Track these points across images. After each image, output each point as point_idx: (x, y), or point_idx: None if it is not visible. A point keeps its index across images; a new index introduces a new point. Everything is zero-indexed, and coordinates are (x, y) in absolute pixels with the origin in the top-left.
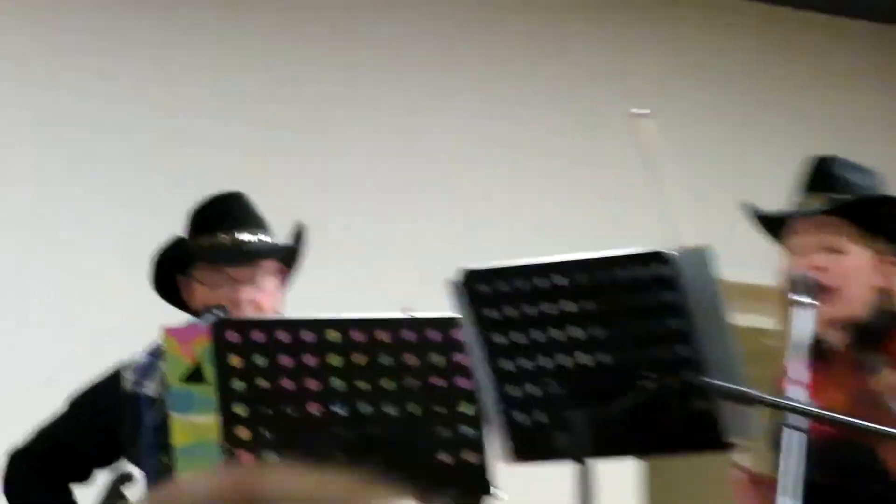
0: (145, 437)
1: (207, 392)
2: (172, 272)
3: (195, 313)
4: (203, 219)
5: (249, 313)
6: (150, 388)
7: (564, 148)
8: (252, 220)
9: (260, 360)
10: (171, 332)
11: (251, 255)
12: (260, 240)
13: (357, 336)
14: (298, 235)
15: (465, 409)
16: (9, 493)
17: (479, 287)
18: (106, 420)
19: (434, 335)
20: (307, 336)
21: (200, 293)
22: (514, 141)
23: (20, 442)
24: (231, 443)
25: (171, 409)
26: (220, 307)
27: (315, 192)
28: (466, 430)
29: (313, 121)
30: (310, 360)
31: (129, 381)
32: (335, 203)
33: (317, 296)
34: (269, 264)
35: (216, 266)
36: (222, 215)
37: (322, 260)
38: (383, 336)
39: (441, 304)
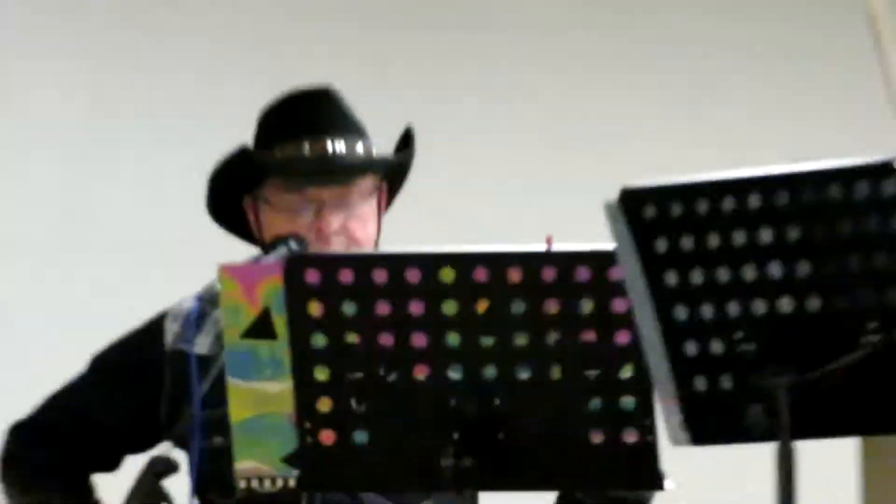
0: (194, 411)
1: (277, 350)
2: (237, 193)
3: (264, 247)
4: (279, 121)
5: (338, 247)
6: (201, 345)
7: None
8: (345, 124)
9: (349, 309)
10: (229, 271)
11: (344, 170)
12: (354, 150)
13: (480, 276)
14: (407, 143)
15: (625, 372)
16: (7, 480)
17: (644, 210)
18: (142, 388)
19: (583, 274)
20: (413, 276)
21: (272, 221)
22: None
23: (25, 414)
24: (308, 417)
25: (230, 372)
26: (298, 238)
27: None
28: (626, 401)
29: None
30: (416, 308)
31: (173, 334)
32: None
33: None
34: (367, 182)
35: (295, 184)
36: (305, 117)
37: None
38: (515, 275)
39: (591, 237)
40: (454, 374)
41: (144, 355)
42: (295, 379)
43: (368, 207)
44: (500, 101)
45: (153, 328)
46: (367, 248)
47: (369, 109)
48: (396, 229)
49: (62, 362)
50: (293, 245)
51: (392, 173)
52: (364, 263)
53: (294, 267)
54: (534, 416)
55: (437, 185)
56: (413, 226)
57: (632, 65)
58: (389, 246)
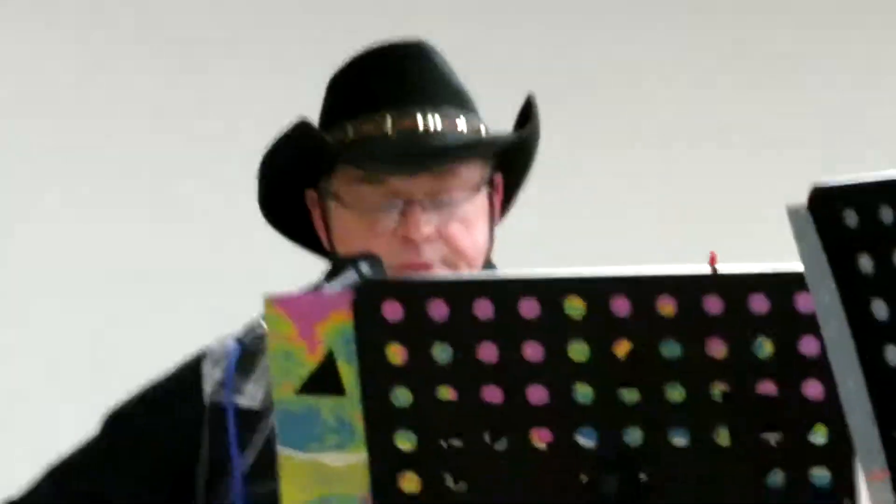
0: (233, 489)
1: (345, 410)
2: (297, 185)
3: (333, 264)
4: (352, 89)
5: (432, 258)
6: (250, 396)
7: None
8: (442, 91)
9: (443, 354)
10: (279, 305)
11: (440, 154)
12: (455, 126)
13: (620, 308)
14: (527, 118)
15: (817, 436)
16: None
17: (844, 217)
18: (173, 456)
19: (760, 304)
20: (529, 309)
21: (344, 224)
22: None
23: (20, 490)
24: (389, 500)
25: (281, 440)
26: (371, 258)
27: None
28: (818, 474)
29: None
30: (533, 351)
31: (214, 382)
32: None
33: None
34: (474, 171)
35: (373, 174)
36: (387, 82)
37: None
38: (668, 307)
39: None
40: (585, 439)
41: (176, 412)
42: (370, 449)
43: (475, 206)
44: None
45: (187, 375)
46: (473, 264)
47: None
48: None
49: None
50: (365, 268)
51: (509, 160)
52: (463, 292)
53: (367, 298)
54: (692, 495)
55: (559, 186)
56: (528, 236)
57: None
58: (503, 266)
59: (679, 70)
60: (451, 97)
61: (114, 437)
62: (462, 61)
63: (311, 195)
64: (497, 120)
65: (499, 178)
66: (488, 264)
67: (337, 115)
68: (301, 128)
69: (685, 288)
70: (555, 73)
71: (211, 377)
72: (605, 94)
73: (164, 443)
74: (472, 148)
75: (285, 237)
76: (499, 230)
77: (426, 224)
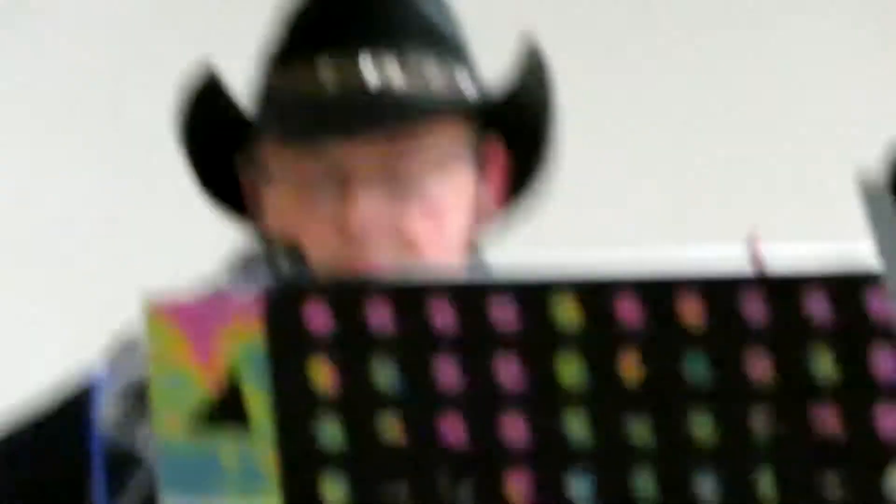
0: None
1: (253, 451)
2: (218, 151)
3: (241, 256)
4: (286, 24)
5: (384, 260)
6: (140, 437)
7: None
8: (408, 24)
9: (386, 375)
10: (164, 312)
11: (392, 110)
12: (421, 73)
13: (626, 312)
14: (532, 66)
15: (894, 480)
16: None
17: None
18: None
19: (818, 307)
20: (503, 314)
21: (272, 205)
22: None
23: None
24: None
25: (165, 490)
26: (291, 249)
27: None
28: None
29: None
30: (509, 371)
31: (111, 420)
32: None
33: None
34: (448, 133)
35: (301, 138)
36: (331, 15)
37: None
38: (691, 310)
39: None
40: (578, 487)
41: (54, 462)
42: (286, 500)
43: (449, 185)
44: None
45: (65, 416)
46: (432, 264)
47: None
48: None
49: None
50: (283, 264)
51: (512, 127)
52: (414, 293)
53: (284, 303)
54: None
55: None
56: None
57: None
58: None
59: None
60: (423, 36)
61: None
62: None
63: (240, 161)
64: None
65: (496, 150)
66: (475, 265)
67: (271, 57)
68: (205, 80)
69: (716, 286)
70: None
71: (105, 414)
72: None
73: None
74: (439, 102)
75: (221, 207)
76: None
77: (372, 210)
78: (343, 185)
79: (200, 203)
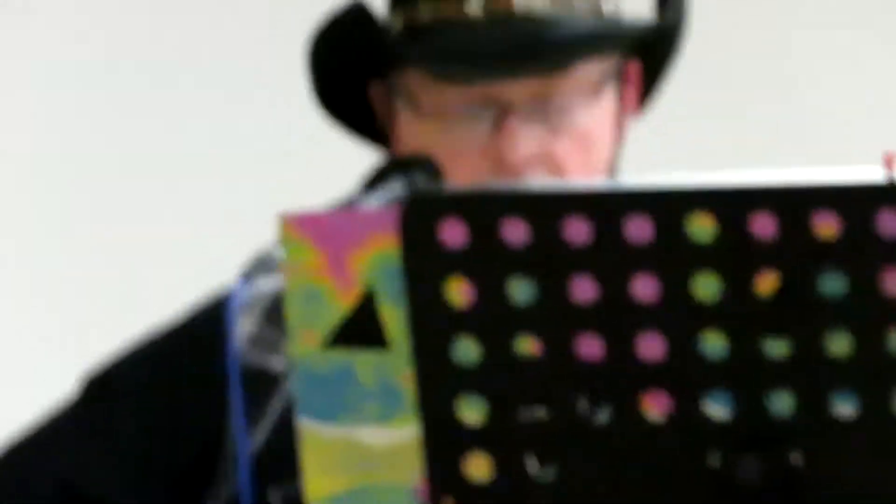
0: (238, 476)
1: (390, 369)
2: (358, 77)
3: (374, 171)
4: None
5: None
6: (276, 359)
7: None
8: None
9: (523, 292)
10: (300, 225)
11: (551, 50)
12: (569, 4)
13: (762, 228)
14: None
15: None
16: None
17: None
18: (182, 438)
19: None
20: (638, 230)
21: (413, 136)
22: None
23: None
24: (451, 491)
25: (302, 409)
26: (426, 162)
27: None
28: None
29: None
30: (645, 288)
31: (248, 337)
32: None
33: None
34: (594, 69)
35: (455, 73)
36: None
37: None
38: (827, 226)
39: None
40: (716, 407)
41: (189, 381)
42: (424, 422)
43: (597, 113)
44: None
45: (204, 328)
46: (569, 180)
47: None
48: None
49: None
50: (418, 177)
51: (649, 48)
52: (550, 208)
53: (420, 217)
54: (860, 484)
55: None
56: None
57: None
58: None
59: None
60: None
61: (99, 409)
62: None
63: (376, 88)
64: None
65: (634, 68)
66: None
67: None
68: (353, 12)
69: (852, 201)
70: None
71: (243, 330)
72: None
73: (177, 422)
74: (596, 41)
75: (348, 131)
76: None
77: (528, 140)
78: (498, 116)
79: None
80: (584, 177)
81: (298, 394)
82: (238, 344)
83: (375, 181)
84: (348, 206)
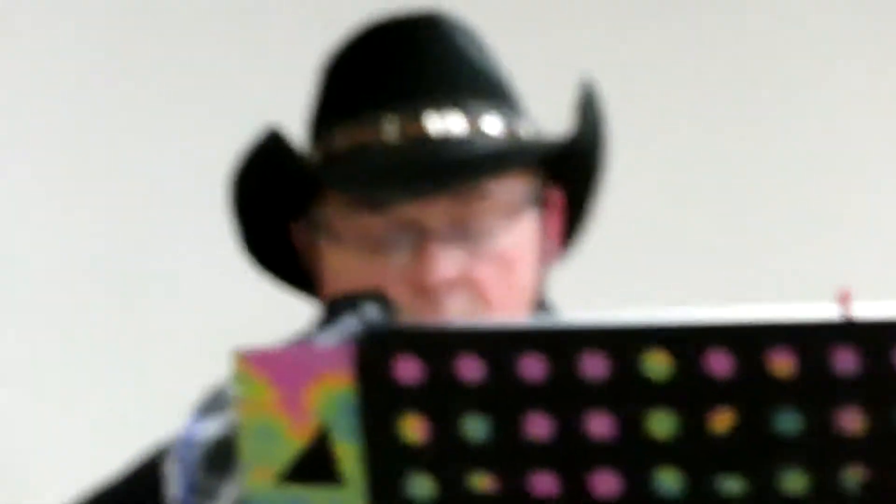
0: None
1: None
2: (276, 216)
3: (328, 307)
4: (342, 83)
5: (458, 313)
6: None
7: None
8: (468, 82)
9: (477, 428)
10: (253, 362)
11: (465, 167)
12: (480, 128)
13: (718, 366)
14: (584, 112)
15: None
16: None
17: None
18: None
19: None
20: (594, 367)
21: (336, 267)
22: None
23: None
24: None
25: None
26: (379, 297)
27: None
28: None
29: None
30: (599, 425)
31: (180, 487)
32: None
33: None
34: (512, 188)
35: (372, 198)
36: (388, 73)
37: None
38: (783, 364)
39: None
40: None
41: None
42: None
43: (517, 236)
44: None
45: (143, 480)
46: (517, 314)
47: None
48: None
49: None
50: (372, 312)
51: (569, 168)
52: (505, 345)
53: (375, 353)
54: None
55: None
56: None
57: None
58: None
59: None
60: (479, 87)
61: None
62: (502, 38)
63: (296, 228)
64: (556, 115)
65: (556, 196)
66: (541, 308)
67: (325, 118)
68: (270, 141)
69: (808, 338)
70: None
71: (175, 482)
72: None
73: None
74: (508, 158)
75: (274, 279)
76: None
77: (447, 264)
78: (417, 241)
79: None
80: (508, 300)
81: None
82: (177, 493)
83: (329, 317)
84: (302, 342)
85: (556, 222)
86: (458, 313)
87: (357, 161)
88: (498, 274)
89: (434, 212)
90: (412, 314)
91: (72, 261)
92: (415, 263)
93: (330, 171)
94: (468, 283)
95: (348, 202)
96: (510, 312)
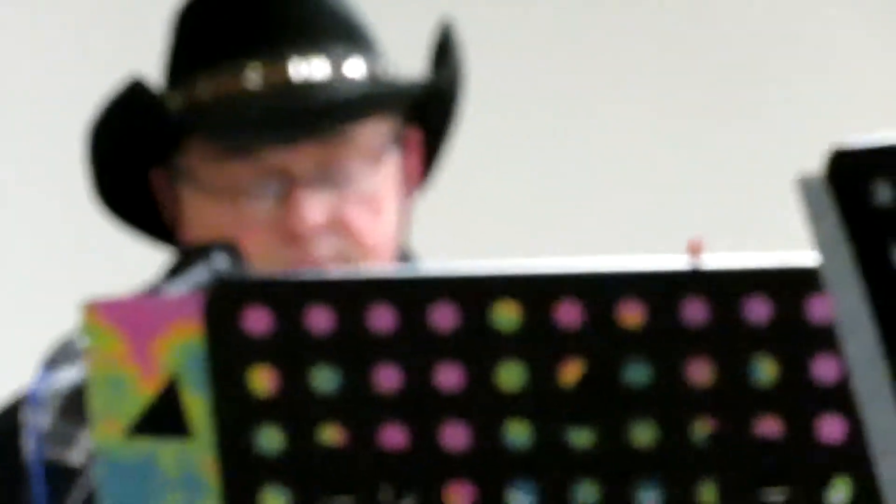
0: None
1: (193, 458)
2: (137, 163)
3: (178, 257)
4: (203, 30)
5: (325, 253)
6: (85, 450)
7: None
8: (325, 24)
9: (328, 380)
10: (103, 312)
11: (329, 111)
12: (343, 73)
13: (568, 316)
14: (444, 53)
15: (837, 490)
16: None
17: (873, 191)
18: None
19: (760, 311)
20: (443, 318)
21: (199, 215)
22: None
23: None
24: None
25: (105, 500)
26: (228, 247)
27: None
28: None
29: None
30: (449, 376)
31: (39, 434)
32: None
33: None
34: (376, 132)
35: (237, 144)
36: (249, 18)
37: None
38: (633, 315)
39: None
40: (521, 497)
41: None
42: None
43: (382, 178)
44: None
45: (2, 427)
46: (382, 258)
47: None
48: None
49: None
50: (221, 261)
51: (426, 110)
52: (355, 296)
53: (224, 304)
54: None
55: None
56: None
57: None
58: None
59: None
60: (340, 31)
61: None
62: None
63: (157, 175)
64: (415, 57)
65: (414, 135)
66: (403, 256)
67: (185, 67)
68: (133, 90)
69: (658, 289)
70: None
71: (33, 429)
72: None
73: None
74: (373, 101)
75: (131, 228)
76: (422, 207)
77: (315, 209)
78: (284, 188)
79: None
80: (376, 238)
81: (100, 484)
82: (31, 442)
83: (179, 267)
84: (152, 292)
85: (414, 162)
86: (330, 258)
87: (222, 109)
88: (367, 216)
89: (300, 158)
90: (282, 262)
91: None
92: (282, 211)
93: (195, 119)
94: (338, 227)
95: (212, 150)
96: (381, 253)
